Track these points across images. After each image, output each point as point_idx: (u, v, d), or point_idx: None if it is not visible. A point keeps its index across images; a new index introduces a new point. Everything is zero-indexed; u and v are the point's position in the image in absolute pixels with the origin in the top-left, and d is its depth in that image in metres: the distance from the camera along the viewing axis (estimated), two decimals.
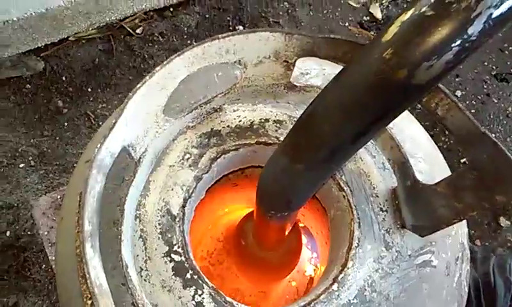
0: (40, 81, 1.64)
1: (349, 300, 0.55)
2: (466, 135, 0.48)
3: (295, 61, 0.60)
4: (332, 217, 0.65)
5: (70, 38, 1.68)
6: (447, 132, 1.61)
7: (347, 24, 1.90)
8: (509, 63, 1.85)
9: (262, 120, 0.64)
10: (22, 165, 1.50)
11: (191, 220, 0.62)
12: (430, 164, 0.63)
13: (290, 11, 1.89)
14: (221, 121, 0.63)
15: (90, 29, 1.69)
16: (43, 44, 1.62)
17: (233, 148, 0.63)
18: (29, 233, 1.40)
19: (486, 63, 1.84)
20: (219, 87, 0.61)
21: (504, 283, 1.00)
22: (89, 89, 1.65)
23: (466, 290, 0.62)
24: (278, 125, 0.64)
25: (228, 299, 0.54)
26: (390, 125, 0.59)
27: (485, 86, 1.79)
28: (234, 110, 0.64)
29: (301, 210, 0.64)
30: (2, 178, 1.47)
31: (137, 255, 0.55)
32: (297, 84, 0.64)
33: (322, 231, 0.86)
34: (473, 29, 0.32)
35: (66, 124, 1.58)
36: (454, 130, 0.50)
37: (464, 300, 0.62)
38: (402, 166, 0.60)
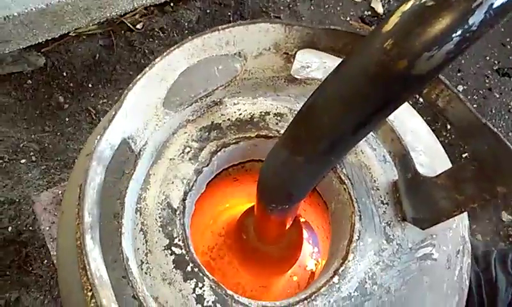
0: (40, 77, 1.64)
1: (350, 292, 0.55)
2: (466, 126, 0.48)
3: (295, 53, 0.59)
4: (333, 210, 0.65)
5: (70, 34, 1.68)
6: (448, 127, 1.61)
7: (348, 19, 1.89)
8: (511, 58, 1.84)
9: (263, 113, 0.64)
10: (23, 160, 1.50)
11: (191, 214, 0.62)
12: (431, 157, 0.63)
13: (291, 5, 1.89)
14: (222, 115, 0.63)
15: (91, 24, 1.68)
16: (43, 40, 1.62)
17: (234, 141, 0.63)
18: (30, 228, 1.40)
19: (488, 58, 1.83)
20: (219, 80, 0.61)
21: (506, 277, 1.00)
22: (90, 85, 1.65)
23: (467, 283, 0.62)
24: (278, 118, 0.64)
25: (229, 291, 0.54)
26: (391, 117, 0.60)
27: (487, 81, 1.79)
28: (234, 104, 0.64)
29: (302, 204, 0.64)
30: (4, 174, 1.47)
31: (138, 248, 0.55)
32: (298, 77, 0.64)
33: (323, 225, 0.86)
34: (474, 19, 0.32)
35: (67, 119, 1.58)
36: (455, 121, 0.50)
37: (465, 293, 0.62)
38: (403, 159, 0.59)
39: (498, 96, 1.76)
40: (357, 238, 0.57)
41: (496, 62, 1.83)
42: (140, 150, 0.56)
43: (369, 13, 1.91)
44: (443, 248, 0.59)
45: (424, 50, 0.33)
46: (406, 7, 0.34)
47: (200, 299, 0.53)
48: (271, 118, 0.64)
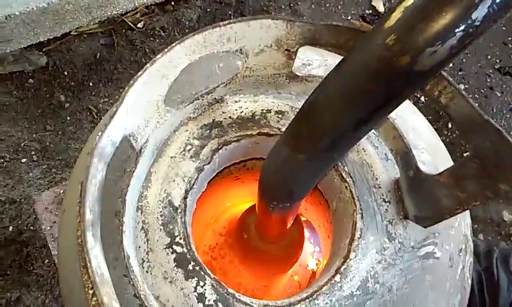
0: (42, 76, 1.64)
1: (352, 291, 0.54)
2: (469, 123, 0.47)
3: (297, 49, 0.59)
4: (334, 208, 0.65)
5: (71, 33, 1.68)
6: (449, 126, 1.61)
7: (349, 17, 1.89)
8: None
9: (264, 111, 0.64)
10: (24, 160, 1.50)
11: (192, 213, 0.62)
12: (432, 155, 0.63)
13: (292, 4, 1.89)
14: (223, 112, 0.63)
15: (92, 23, 1.68)
16: (45, 39, 1.62)
17: (235, 139, 0.62)
18: (31, 228, 1.40)
19: (489, 57, 1.83)
20: (220, 77, 0.61)
21: (507, 276, 1.00)
22: (91, 84, 1.65)
23: (470, 282, 0.62)
24: (279, 115, 0.64)
25: (230, 290, 0.54)
26: (393, 115, 0.59)
27: (488, 80, 1.78)
28: (236, 101, 0.64)
29: (303, 203, 0.64)
30: (5, 173, 1.47)
31: (139, 246, 0.55)
32: (299, 74, 0.63)
33: (324, 224, 0.86)
34: (478, 14, 0.31)
35: (68, 118, 1.58)
36: (457, 118, 0.49)
37: (467, 292, 0.62)
38: (404, 156, 0.59)
39: (499, 95, 1.75)
40: (359, 236, 0.57)
41: (497, 61, 1.82)
42: (141, 148, 0.56)
43: (370, 11, 1.91)
44: (445, 247, 0.58)
45: (427, 46, 0.33)
46: (409, 2, 0.34)
47: (201, 297, 0.53)
48: (272, 116, 0.64)
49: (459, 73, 1.78)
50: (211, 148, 0.61)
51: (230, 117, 0.63)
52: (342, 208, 0.62)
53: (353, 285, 0.55)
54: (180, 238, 0.56)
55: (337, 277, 0.55)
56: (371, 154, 0.62)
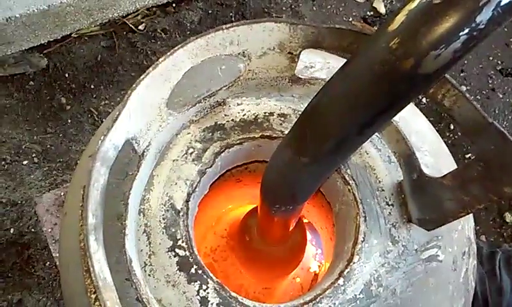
0: (43, 78, 1.64)
1: (355, 295, 0.54)
2: (473, 125, 0.47)
3: (299, 52, 0.59)
4: (337, 211, 0.64)
5: (72, 35, 1.68)
6: (451, 128, 1.61)
7: (350, 19, 1.89)
8: None
9: (267, 114, 0.64)
10: (25, 162, 1.50)
11: (194, 216, 0.62)
12: (436, 158, 0.63)
13: (293, 6, 1.89)
14: (225, 115, 0.63)
15: (92, 25, 1.68)
16: (45, 41, 1.62)
17: (238, 142, 0.62)
18: (32, 230, 1.40)
19: (491, 58, 1.82)
20: (222, 80, 0.61)
21: (511, 278, 1.00)
22: (92, 86, 1.65)
23: (473, 284, 0.62)
24: (282, 118, 0.63)
25: (233, 294, 0.54)
26: (396, 117, 0.59)
27: (490, 81, 1.78)
28: (238, 104, 0.64)
29: (306, 206, 0.64)
30: (6, 176, 1.47)
31: (141, 250, 0.55)
32: (302, 77, 0.63)
33: (326, 227, 0.86)
34: (482, 18, 0.31)
35: (69, 121, 1.58)
36: (461, 121, 0.49)
37: (471, 295, 0.62)
38: (408, 159, 0.59)
39: (501, 96, 1.75)
40: (362, 239, 0.57)
41: (499, 62, 1.82)
42: (143, 151, 0.56)
43: (371, 13, 1.91)
44: (448, 249, 0.58)
45: (431, 49, 0.32)
46: (413, 5, 0.34)
47: (204, 301, 0.52)
48: (274, 119, 0.63)
49: (461, 74, 1.78)
50: (213, 151, 0.61)
51: (232, 120, 0.63)
52: (345, 211, 0.62)
53: (357, 288, 0.54)
54: (183, 242, 0.55)
55: (340, 281, 0.55)
56: (374, 157, 0.62)
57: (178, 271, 0.54)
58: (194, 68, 0.56)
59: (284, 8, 1.88)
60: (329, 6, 1.91)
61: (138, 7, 1.73)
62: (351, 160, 0.62)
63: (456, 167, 0.60)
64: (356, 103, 0.39)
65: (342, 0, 1.93)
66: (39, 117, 1.58)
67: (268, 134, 0.63)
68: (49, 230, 1.30)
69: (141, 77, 0.51)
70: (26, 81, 1.62)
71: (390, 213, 0.59)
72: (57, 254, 1.15)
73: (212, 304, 0.52)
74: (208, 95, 0.61)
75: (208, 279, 0.54)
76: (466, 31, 0.31)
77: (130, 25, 1.74)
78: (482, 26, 0.31)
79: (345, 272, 0.55)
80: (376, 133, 0.63)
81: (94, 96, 1.63)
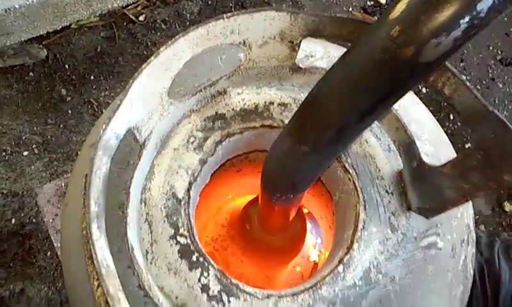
0: (42, 69, 1.64)
1: (355, 281, 0.55)
2: (473, 114, 0.47)
3: (300, 41, 0.59)
4: (337, 200, 0.65)
5: (72, 26, 1.68)
6: (451, 117, 1.61)
7: (350, 9, 1.88)
8: None
9: (267, 103, 0.64)
10: (26, 153, 1.50)
11: (196, 205, 0.62)
12: (435, 146, 0.63)
13: None
14: (226, 104, 0.63)
15: (92, 16, 1.68)
16: (45, 32, 1.62)
17: (238, 131, 0.62)
18: (33, 220, 1.40)
19: (491, 48, 1.82)
20: (223, 70, 0.61)
21: (509, 267, 1.00)
22: (92, 77, 1.65)
23: (472, 272, 0.62)
24: (282, 107, 0.64)
25: (234, 281, 0.54)
26: (396, 106, 0.59)
27: (490, 71, 1.78)
28: (238, 93, 0.64)
29: (306, 195, 0.64)
30: (7, 166, 1.48)
31: (143, 238, 0.55)
32: (302, 66, 0.63)
33: (326, 216, 0.86)
34: (483, 5, 0.31)
35: (69, 112, 1.59)
36: (461, 109, 0.49)
37: (469, 282, 0.62)
38: (407, 148, 0.59)
39: (501, 86, 1.75)
40: (362, 227, 0.57)
41: (499, 52, 1.82)
42: (145, 140, 0.56)
43: (371, 3, 1.90)
44: (447, 237, 0.59)
45: (432, 37, 0.32)
46: None
47: (205, 288, 0.53)
48: (275, 108, 0.64)
49: (461, 64, 1.78)
50: (214, 140, 0.62)
51: (233, 109, 0.63)
52: (345, 200, 0.62)
53: (356, 275, 0.55)
54: (184, 230, 0.56)
55: (340, 268, 0.55)
56: (374, 145, 0.62)
57: (179, 259, 0.54)
58: (195, 57, 0.56)
59: None
60: None
61: None
62: (351, 149, 0.62)
63: (455, 155, 0.61)
64: (357, 90, 0.39)
65: None
66: (39, 108, 1.58)
67: (268, 123, 0.63)
68: (50, 220, 1.31)
69: (143, 66, 0.51)
70: (26, 72, 1.62)
71: (389, 201, 0.59)
72: (59, 244, 1.16)
73: (213, 291, 0.53)
74: (208, 84, 0.61)
75: (210, 267, 0.54)
76: (467, 19, 0.31)
77: (130, 16, 1.73)
78: (483, 14, 0.31)
79: (344, 260, 0.55)
80: (376, 122, 0.63)
81: (94, 87, 1.63)
